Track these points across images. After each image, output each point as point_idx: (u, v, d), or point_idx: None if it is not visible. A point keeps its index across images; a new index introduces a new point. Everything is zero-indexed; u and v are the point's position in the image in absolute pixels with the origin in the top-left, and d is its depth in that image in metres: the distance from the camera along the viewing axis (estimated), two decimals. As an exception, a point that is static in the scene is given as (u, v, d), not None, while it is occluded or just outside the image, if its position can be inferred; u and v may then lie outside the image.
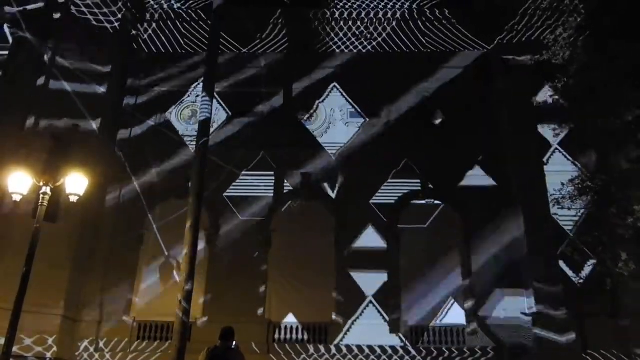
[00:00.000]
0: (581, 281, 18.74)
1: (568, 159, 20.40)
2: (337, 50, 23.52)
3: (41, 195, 12.04)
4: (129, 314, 19.39)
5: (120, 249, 20.14)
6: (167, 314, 19.06)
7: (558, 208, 17.91)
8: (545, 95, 19.75)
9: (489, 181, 20.95)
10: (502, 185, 20.72)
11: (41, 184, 12.11)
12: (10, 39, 21.85)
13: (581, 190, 16.54)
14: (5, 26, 22.13)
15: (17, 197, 12.29)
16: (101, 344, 18.63)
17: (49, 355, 16.92)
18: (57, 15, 21.75)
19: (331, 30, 23.61)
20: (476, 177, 21.08)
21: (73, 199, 12.62)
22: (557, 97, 17.75)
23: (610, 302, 17.98)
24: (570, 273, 18.89)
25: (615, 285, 17.30)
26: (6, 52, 21.77)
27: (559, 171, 19.33)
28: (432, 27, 23.35)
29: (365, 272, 19.71)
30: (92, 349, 18.44)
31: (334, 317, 19.24)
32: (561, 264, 18.92)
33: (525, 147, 20.60)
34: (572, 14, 15.59)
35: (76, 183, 12.56)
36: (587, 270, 18.77)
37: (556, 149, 20.73)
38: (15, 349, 10.98)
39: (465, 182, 21.01)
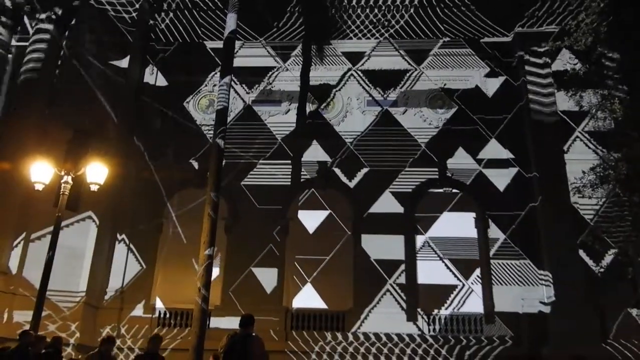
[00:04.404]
0: (601, 270, 18.53)
1: (589, 147, 20.10)
2: (354, 38, 23.38)
3: (62, 184, 12.23)
4: (149, 301, 19.68)
5: (140, 237, 20.43)
6: (187, 301, 19.40)
7: (579, 197, 17.64)
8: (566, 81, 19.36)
9: (509, 170, 20.76)
10: (522, 171, 20.56)
11: (62, 173, 12.30)
12: (31, 30, 22.05)
13: (602, 178, 16.26)
14: (25, 17, 22.35)
15: (39, 187, 12.52)
16: (122, 330, 18.96)
17: (72, 341, 17.26)
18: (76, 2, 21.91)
19: (348, 17, 23.44)
20: (495, 162, 20.93)
21: (94, 187, 12.81)
22: (578, 84, 17.42)
23: (631, 292, 17.75)
24: (590, 262, 18.69)
25: (637, 275, 17.08)
26: (26, 43, 22.01)
27: (580, 159, 19.05)
28: (450, 14, 23.05)
29: (383, 260, 19.73)
30: (113, 335, 18.75)
31: (351, 305, 19.33)
32: (581, 253, 18.71)
33: (546, 134, 20.34)
34: (595, -2, 15.23)
35: (97, 172, 12.74)
36: (607, 259, 18.55)
37: (577, 137, 20.45)
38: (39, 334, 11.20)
39: (483, 169, 20.86)
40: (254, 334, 9.01)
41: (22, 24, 22.54)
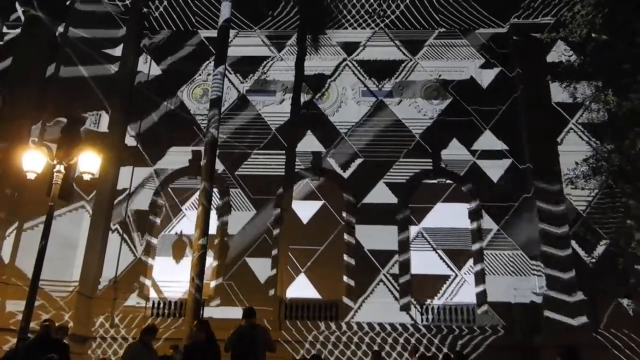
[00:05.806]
0: (593, 261, 18.68)
1: (583, 139, 20.18)
2: (350, 28, 23.26)
3: (55, 174, 12.14)
4: (143, 290, 19.68)
5: (134, 227, 20.39)
6: (181, 291, 19.45)
7: (571, 188, 17.73)
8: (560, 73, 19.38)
9: (503, 161, 20.83)
10: (516, 163, 20.64)
11: (55, 162, 12.20)
12: (23, 17, 21.82)
13: (595, 169, 16.33)
14: (17, 4, 22.10)
15: (31, 175, 12.43)
16: (116, 320, 18.95)
17: (65, 330, 17.26)
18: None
19: (343, 7, 23.32)
20: (489, 153, 20.98)
21: (86, 177, 12.72)
22: (573, 76, 17.44)
23: (622, 283, 17.91)
24: (582, 253, 18.83)
25: (628, 266, 17.24)
26: (18, 31, 21.79)
27: (574, 151, 19.11)
28: (446, 4, 22.96)
29: (376, 251, 19.80)
30: (107, 325, 18.79)
31: (344, 295, 19.41)
32: (573, 244, 18.85)
33: (540, 126, 20.39)
34: (591, -11, 15.19)
35: (89, 161, 12.64)
36: (599, 250, 18.70)
37: (571, 128, 20.51)
38: (32, 324, 11.18)
39: (477, 160, 20.91)
40: (259, 325, 9.36)
41: (14, 11, 22.30)
